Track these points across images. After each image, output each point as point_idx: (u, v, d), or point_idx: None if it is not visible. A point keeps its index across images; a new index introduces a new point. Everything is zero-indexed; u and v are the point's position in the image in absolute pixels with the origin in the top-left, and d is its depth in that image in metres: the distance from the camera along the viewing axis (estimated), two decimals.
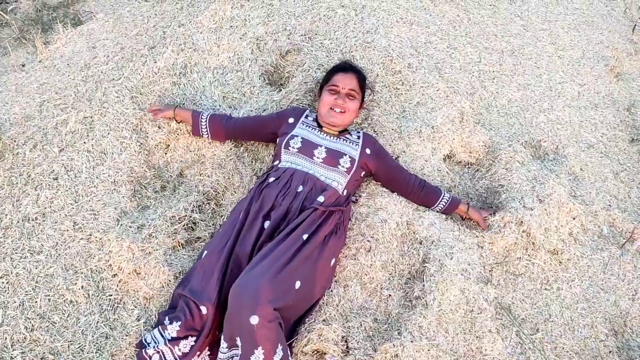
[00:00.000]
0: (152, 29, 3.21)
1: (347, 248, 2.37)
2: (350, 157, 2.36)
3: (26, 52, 3.85)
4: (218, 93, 2.76)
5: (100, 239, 2.37)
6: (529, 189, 2.64)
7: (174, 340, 2.04)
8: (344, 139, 2.44)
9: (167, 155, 2.68)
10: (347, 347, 2.14)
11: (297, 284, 2.07)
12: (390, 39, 3.08)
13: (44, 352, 2.16)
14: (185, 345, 2.06)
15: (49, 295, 2.28)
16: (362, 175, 2.45)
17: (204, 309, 2.07)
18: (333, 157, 2.35)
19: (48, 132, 2.90)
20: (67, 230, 2.42)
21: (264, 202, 2.25)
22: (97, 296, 2.28)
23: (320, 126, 2.47)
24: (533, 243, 2.55)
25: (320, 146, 2.37)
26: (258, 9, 3.07)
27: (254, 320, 1.88)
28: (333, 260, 2.28)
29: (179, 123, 2.65)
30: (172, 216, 2.44)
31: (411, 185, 2.47)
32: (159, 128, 2.71)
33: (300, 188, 2.27)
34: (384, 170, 2.47)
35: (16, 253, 2.42)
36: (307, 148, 2.35)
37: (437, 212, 2.53)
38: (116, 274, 2.30)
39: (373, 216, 2.43)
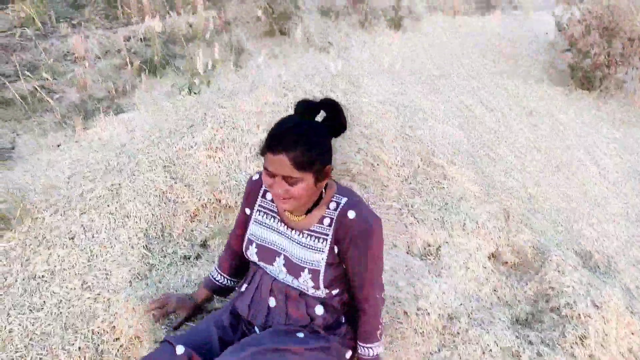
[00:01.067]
0: (193, 112, 3.21)
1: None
2: (310, 270, 1.79)
3: (64, 134, 3.86)
4: (253, 167, 2.66)
5: (109, 299, 2.14)
6: (583, 293, 2.37)
7: None
8: (309, 233, 1.82)
9: (192, 224, 2.52)
10: None
11: None
12: (432, 135, 3.02)
13: None
14: None
15: (41, 354, 2.02)
16: (343, 267, 1.86)
17: (179, 349, 1.76)
18: (294, 273, 1.83)
19: (72, 199, 2.79)
20: (74, 289, 2.21)
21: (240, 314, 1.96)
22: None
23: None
24: (590, 355, 2.24)
25: (279, 254, 1.85)
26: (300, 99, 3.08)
27: None
28: (350, 353, 1.93)
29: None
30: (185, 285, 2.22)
31: (361, 305, 1.89)
32: (189, 197, 2.57)
33: (272, 302, 1.88)
34: (349, 270, 1.84)
35: (14, 309, 2.20)
36: (266, 260, 1.87)
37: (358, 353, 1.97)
38: (118, 338, 2.04)
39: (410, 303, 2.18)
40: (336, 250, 1.79)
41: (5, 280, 2.40)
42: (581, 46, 4.56)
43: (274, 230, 1.87)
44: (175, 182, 2.62)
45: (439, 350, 2.14)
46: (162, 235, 2.44)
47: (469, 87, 3.90)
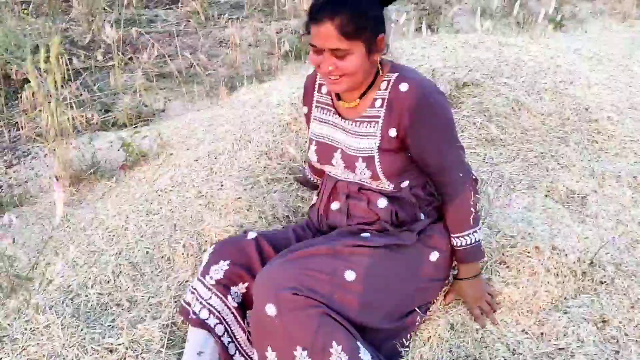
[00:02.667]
0: None
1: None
2: (365, 157, 1.61)
3: (209, 102, 4.04)
4: None
5: (217, 205, 2.10)
6: None
7: (205, 268, 1.66)
8: (361, 120, 1.64)
9: None
10: None
11: (349, 275, 1.50)
12: (588, 93, 2.68)
13: (121, 298, 1.85)
14: (217, 270, 1.63)
15: (149, 248, 2.03)
16: (409, 155, 1.63)
17: (250, 235, 1.69)
18: (350, 166, 1.65)
19: (205, 140, 2.84)
20: (189, 198, 2.21)
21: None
22: (196, 257, 1.96)
23: (338, 96, 1.70)
24: None
25: (336, 149, 1.68)
26: (436, 47, 2.91)
27: (271, 310, 1.43)
28: (435, 255, 1.65)
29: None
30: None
31: (445, 190, 1.66)
32: None
33: (335, 205, 1.73)
34: (417, 158, 1.63)
35: (133, 213, 2.25)
36: (325, 158, 1.72)
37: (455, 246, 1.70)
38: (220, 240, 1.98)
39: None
40: (393, 133, 1.57)
41: (133, 196, 2.48)
42: None
43: (330, 124, 1.71)
44: (300, 115, 2.56)
45: (576, 296, 1.80)
46: (279, 157, 2.37)
47: (637, 66, 3.45)
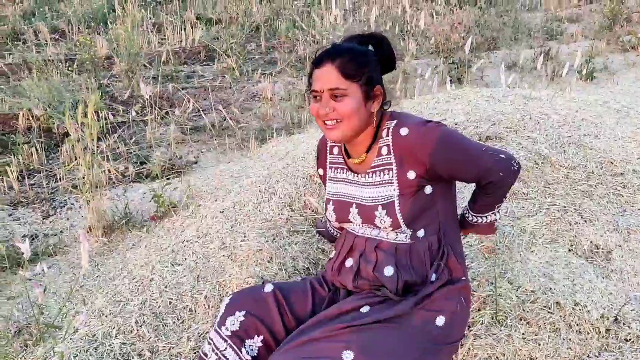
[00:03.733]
0: None
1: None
2: (384, 205, 1.63)
3: (240, 154, 4.15)
4: None
5: (240, 256, 2.14)
6: None
7: (221, 319, 1.67)
8: (374, 169, 1.67)
9: None
10: None
11: (347, 355, 1.48)
12: (613, 146, 2.67)
13: (143, 348, 1.89)
14: (232, 322, 1.65)
15: (171, 298, 2.07)
16: (429, 191, 1.65)
17: (267, 288, 1.71)
18: (368, 218, 1.67)
19: (232, 190, 2.92)
20: (213, 249, 2.26)
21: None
22: (217, 308, 1.99)
23: (347, 154, 1.75)
24: None
25: (351, 205, 1.71)
26: (460, 101, 2.96)
27: None
28: (442, 319, 1.62)
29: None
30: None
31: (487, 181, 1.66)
32: None
33: (349, 262, 1.73)
34: (450, 177, 1.67)
35: (159, 264, 2.31)
36: (342, 215, 1.74)
37: (466, 217, 1.81)
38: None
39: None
40: (412, 175, 1.60)
41: (160, 247, 2.55)
42: None
43: (344, 181, 1.75)
44: None
45: (599, 354, 1.76)
46: (302, 208, 2.41)
47: None
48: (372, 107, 1.63)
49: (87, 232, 3.10)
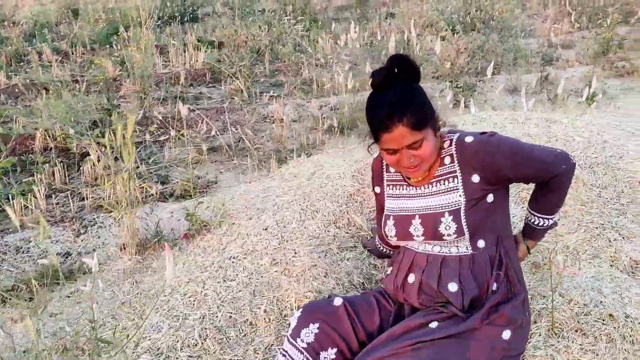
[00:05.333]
0: None
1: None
2: (451, 212, 1.71)
3: (260, 174, 4.20)
4: None
5: (294, 272, 2.20)
6: None
7: (294, 331, 1.75)
8: (437, 179, 1.77)
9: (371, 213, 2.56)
10: None
11: None
12: (637, 167, 2.79)
13: None
14: (307, 334, 1.71)
15: (231, 313, 2.11)
16: (490, 200, 1.74)
17: (337, 301, 1.79)
18: (431, 229, 1.73)
19: (266, 209, 2.97)
20: (264, 265, 2.31)
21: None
22: (278, 322, 2.04)
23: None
24: None
25: (414, 217, 1.78)
26: (486, 123, 3.05)
27: None
28: (508, 333, 1.69)
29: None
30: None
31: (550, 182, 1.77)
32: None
33: (411, 278, 1.80)
34: (516, 177, 1.75)
35: (210, 280, 2.35)
36: (403, 231, 1.80)
37: (530, 224, 1.90)
38: (299, 306, 2.07)
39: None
40: (476, 179, 1.69)
41: (202, 264, 2.59)
42: None
43: (404, 196, 1.84)
44: (362, 187, 2.69)
45: None
46: (346, 226, 2.48)
47: None
48: (439, 133, 1.73)
49: (121, 250, 3.13)
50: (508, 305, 1.72)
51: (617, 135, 3.30)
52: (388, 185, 1.90)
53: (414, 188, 1.81)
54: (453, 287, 1.70)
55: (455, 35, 6.51)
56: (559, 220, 1.85)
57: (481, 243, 1.73)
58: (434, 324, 1.68)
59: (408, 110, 1.60)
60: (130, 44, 6.28)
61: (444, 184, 1.74)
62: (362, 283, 2.18)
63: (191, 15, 9.70)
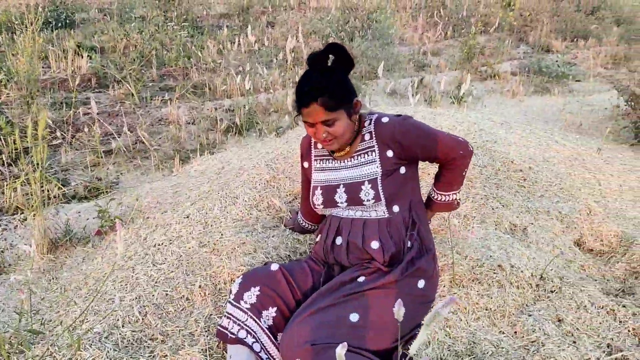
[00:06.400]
0: (281, 144, 3.55)
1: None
2: (369, 180, 1.99)
3: (162, 174, 4.26)
4: None
5: (223, 251, 2.36)
6: None
7: (237, 295, 1.94)
8: (358, 153, 2.04)
9: (294, 201, 2.77)
10: None
11: (353, 317, 1.81)
12: (509, 149, 3.25)
13: (154, 333, 2.04)
14: (250, 296, 1.92)
15: (166, 290, 2.23)
16: (403, 172, 2.03)
17: (273, 266, 2.01)
18: (353, 196, 2.01)
19: (180, 202, 3.09)
20: (192, 248, 2.44)
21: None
22: (214, 295, 2.20)
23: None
24: None
25: (338, 186, 2.05)
26: None
27: None
28: (422, 282, 1.99)
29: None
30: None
31: (449, 164, 2.09)
32: (291, 182, 2.84)
33: (339, 240, 2.06)
34: (423, 156, 2.06)
35: (139, 265, 2.44)
36: (329, 199, 2.07)
37: (430, 197, 2.24)
38: (233, 280, 2.24)
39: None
40: (390, 154, 2.00)
41: (125, 255, 2.66)
42: None
43: (331, 169, 2.11)
44: (277, 174, 2.90)
45: (535, 303, 2.22)
46: (267, 209, 2.68)
47: (539, 130, 4.15)
48: (355, 117, 2.00)
49: (27, 256, 3.09)
50: (422, 260, 2.01)
51: (490, 125, 3.79)
52: (315, 159, 2.14)
53: (338, 161, 2.06)
54: (375, 245, 1.97)
55: (339, 42, 6.91)
56: (459, 201, 2.17)
57: (396, 208, 2.02)
58: (361, 279, 1.93)
59: (324, 93, 1.88)
60: (14, 47, 6.02)
61: (364, 157, 2.01)
62: (289, 255, 2.39)
63: (67, 21, 9.33)
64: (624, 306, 2.27)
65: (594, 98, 6.46)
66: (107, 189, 4.03)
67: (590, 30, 10.19)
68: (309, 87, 1.90)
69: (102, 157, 4.58)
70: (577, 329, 2.12)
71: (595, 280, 2.50)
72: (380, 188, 1.98)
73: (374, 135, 2.01)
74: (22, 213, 3.46)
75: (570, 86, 7.40)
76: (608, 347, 2.06)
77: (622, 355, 2.02)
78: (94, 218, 3.37)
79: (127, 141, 4.87)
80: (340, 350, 1.25)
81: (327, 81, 1.90)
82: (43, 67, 7.20)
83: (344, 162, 2.06)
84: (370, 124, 2.03)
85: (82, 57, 7.27)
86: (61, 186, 3.71)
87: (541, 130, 4.28)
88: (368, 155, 2.01)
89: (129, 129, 5.20)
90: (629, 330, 2.15)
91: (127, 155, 4.65)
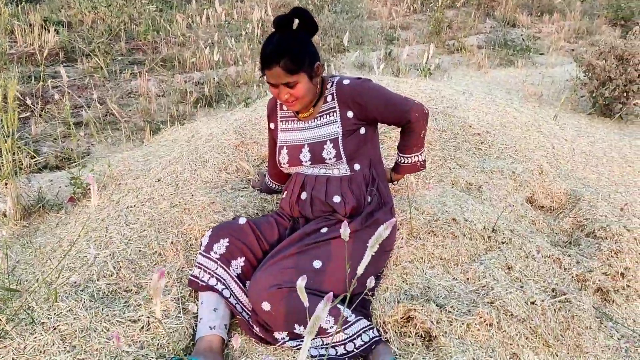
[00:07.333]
0: (249, 112, 3.64)
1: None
2: (331, 140, 2.10)
3: (133, 145, 4.32)
4: None
5: (194, 211, 2.47)
6: (616, 220, 2.63)
7: (207, 246, 2.05)
8: (320, 114, 2.16)
9: (261, 164, 2.88)
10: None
11: (316, 264, 1.95)
12: (469, 115, 3.40)
13: (128, 285, 2.15)
14: (219, 247, 2.04)
15: (139, 247, 2.33)
16: (363, 132, 2.15)
17: (241, 220, 2.12)
18: (317, 155, 2.12)
19: (151, 169, 3.18)
20: (164, 208, 2.54)
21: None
22: (186, 250, 2.31)
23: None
24: (626, 268, 2.45)
25: (303, 146, 2.17)
26: None
27: (266, 306, 1.85)
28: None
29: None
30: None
31: (408, 127, 2.20)
32: (259, 147, 2.95)
33: (303, 195, 2.18)
34: (380, 118, 2.17)
35: (112, 226, 2.53)
36: (294, 158, 2.18)
37: (397, 160, 2.37)
38: (203, 234, 2.35)
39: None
40: (350, 114, 2.12)
41: (97, 217, 2.75)
42: (599, 72, 4.98)
43: (295, 130, 2.23)
44: (245, 139, 3.01)
45: (487, 252, 2.39)
46: (236, 172, 2.79)
47: (499, 98, 4.31)
48: (317, 81, 2.11)
49: (2, 216, 3.16)
50: (380, 212, 2.15)
51: (451, 93, 3.94)
52: (281, 120, 2.25)
53: (302, 122, 2.18)
54: (337, 199, 2.11)
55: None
56: (422, 162, 2.31)
57: (357, 166, 2.15)
58: (324, 229, 2.07)
59: (285, 56, 1.97)
60: None
61: (326, 117, 2.13)
62: (257, 213, 2.51)
63: None
64: (569, 255, 2.45)
65: (556, 70, 6.66)
66: (79, 159, 4.08)
67: (554, 5, 10.40)
68: (271, 49, 1.99)
69: (72, 129, 4.61)
70: (525, 275, 2.29)
71: (544, 234, 2.68)
72: (341, 147, 2.10)
73: (335, 97, 2.13)
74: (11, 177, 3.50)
75: (534, 59, 7.60)
76: (553, 291, 2.24)
77: (565, 297, 2.19)
78: (66, 186, 3.44)
79: (98, 113, 4.90)
80: (301, 282, 1.38)
81: (290, 44, 2.00)
82: (9, 42, 7.13)
83: (307, 122, 2.18)
84: (332, 86, 2.15)
85: (49, 32, 7.21)
86: (34, 154, 3.76)
87: (501, 99, 4.45)
88: (330, 116, 2.13)
89: (98, 101, 5.23)
90: (572, 277, 2.34)
91: (98, 127, 4.69)
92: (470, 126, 3.24)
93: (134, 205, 2.65)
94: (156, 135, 4.33)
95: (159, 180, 2.78)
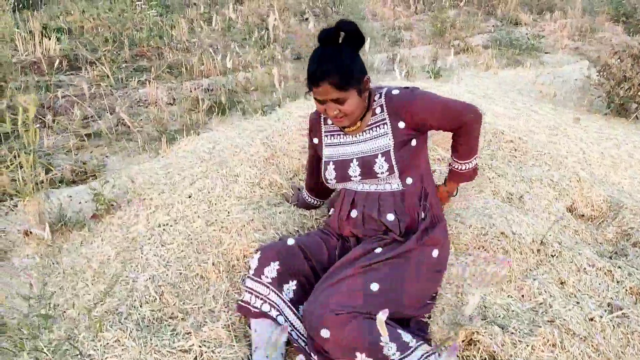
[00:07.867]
0: (272, 122, 3.56)
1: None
2: (383, 153, 2.02)
3: (148, 155, 4.23)
4: None
5: (232, 229, 2.38)
6: None
7: (257, 270, 1.97)
8: (369, 127, 2.08)
9: (294, 177, 2.80)
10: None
11: (374, 287, 1.86)
12: (497, 121, 3.32)
13: (173, 312, 2.06)
14: (270, 271, 1.96)
15: (180, 269, 2.24)
16: (414, 144, 2.08)
17: (290, 241, 2.04)
18: (367, 169, 2.05)
19: (175, 182, 3.08)
20: (200, 227, 2.45)
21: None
22: (228, 272, 2.22)
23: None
24: None
25: (351, 161, 2.09)
26: None
27: (325, 333, 1.74)
28: (436, 252, 2.06)
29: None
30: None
31: (460, 130, 2.13)
32: (290, 159, 2.87)
33: (354, 213, 2.11)
34: (437, 124, 2.08)
35: (147, 246, 2.44)
36: (342, 173, 2.10)
37: (454, 167, 2.28)
38: (245, 255, 2.27)
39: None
40: (402, 125, 2.04)
41: (126, 236, 2.66)
42: (616, 71, 4.92)
43: (342, 144, 2.15)
44: (275, 152, 2.92)
45: (538, 267, 2.31)
46: (269, 186, 2.70)
47: (518, 101, 4.24)
48: (365, 95, 2.03)
49: (26, 235, 3.06)
50: (435, 230, 2.08)
51: (472, 98, 3.86)
52: (326, 135, 2.17)
53: (350, 136, 2.10)
54: (391, 217, 2.03)
55: (314, 17, 6.90)
56: (477, 169, 2.26)
57: (409, 180, 2.07)
58: (378, 250, 1.99)
59: (333, 72, 1.88)
60: None
61: (376, 130, 2.05)
62: (297, 231, 2.42)
63: (29, 1, 9.05)
64: (620, 267, 2.38)
65: (565, 69, 6.60)
66: (96, 172, 3.98)
67: (554, 3, 10.37)
68: (319, 66, 1.90)
69: (85, 141, 4.51)
70: (579, 290, 2.22)
71: (589, 244, 2.61)
72: (393, 160, 2.02)
73: (385, 108, 2.05)
74: (12, 199, 3.40)
75: (541, 58, 7.55)
76: (608, 305, 2.17)
77: (622, 312, 2.12)
78: (86, 202, 3.34)
79: (109, 123, 4.80)
80: (382, 316, 1.30)
81: (338, 60, 1.90)
82: (10, 50, 7.00)
83: (355, 136, 2.09)
84: (380, 97, 2.06)
85: (50, 39, 7.09)
86: (51, 168, 3.66)
87: (519, 102, 4.39)
88: (380, 129, 2.05)
89: (108, 111, 5.13)
90: (626, 290, 2.26)
91: (110, 138, 4.59)
92: (502, 133, 3.17)
93: (167, 224, 2.56)
94: (172, 146, 4.23)
95: (190, 197, 2.69)
